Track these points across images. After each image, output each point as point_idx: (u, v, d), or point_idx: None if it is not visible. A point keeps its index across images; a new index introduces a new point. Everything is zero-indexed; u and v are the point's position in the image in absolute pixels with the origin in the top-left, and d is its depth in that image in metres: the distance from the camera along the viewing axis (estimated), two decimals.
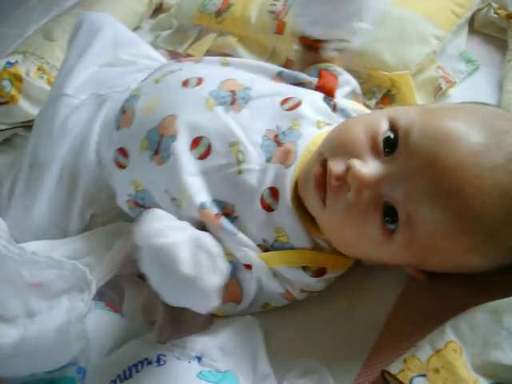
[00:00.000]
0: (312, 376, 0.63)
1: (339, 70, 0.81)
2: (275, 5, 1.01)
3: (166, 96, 0.73)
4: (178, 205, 0.70)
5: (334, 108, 0.74)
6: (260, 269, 0.66)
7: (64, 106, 0.81)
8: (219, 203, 0.67)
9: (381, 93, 0.92)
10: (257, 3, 1.03)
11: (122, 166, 0.73)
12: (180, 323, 0.71)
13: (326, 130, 0.69)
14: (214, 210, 0.67)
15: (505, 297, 0.60)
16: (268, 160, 0.67)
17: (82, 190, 0.77)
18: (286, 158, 0.67)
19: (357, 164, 0.59)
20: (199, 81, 0.74)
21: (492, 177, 0.55)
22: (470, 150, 0.55)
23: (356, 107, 0.76)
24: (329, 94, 0.75)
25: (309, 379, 0.62)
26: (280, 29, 1.00)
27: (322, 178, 0.62)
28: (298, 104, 0.71)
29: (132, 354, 0.63)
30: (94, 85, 0.83)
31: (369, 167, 0.60)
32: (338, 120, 0.72)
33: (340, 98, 0.76)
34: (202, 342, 0.65)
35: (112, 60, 0.87)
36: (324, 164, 0.63)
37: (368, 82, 0.94)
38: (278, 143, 0.68)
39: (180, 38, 1.09)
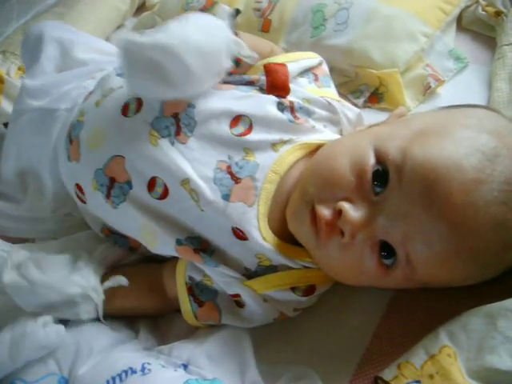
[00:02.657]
0: (302, 382, 0.61)
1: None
2: (260, 2, 1.00)
3: (107, 130, 0.67)
4: (146, 242, 0.67)
5: (292, 110, 0.67)
6: (249, 296, 0.64)
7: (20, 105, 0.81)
8: (194, 239, 0.65)
9: (368, 91, 0.91)
10: (242, 1, 1.01)
11: (83, 201, 0.71)
12: (165, 331, 0.70)
13: (286, 151, 0.65)
14: (190, 246, 0.64)
15: (498, 300, 0.59)
16: (225, 197, 0.63)
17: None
18: (246, 196, 0.63)
19: (347, 208, 0.57)
20: (138, 105, 0.67)
21: (486, 212, 0.54)
22: (464, 188, 0.54)
23: (313, 96, 0.69)
24: (282, 90, 0.68)
25: None
26: (265, 27, 0.99)
27: (315, 219, 0.60)
28: (250, 128, 0.65)
29: (115, 363, 0.61)
30: (46, 93, 0.80)
31: (360, 210, 0.58)
32: (297, 129, 0.66)
33: (298, 88, 0.69)
34: (189, 350, 0.63)
35: (65, 62, 0.84)
36: (312, 205, 0.60)
37: (355, 81, 0.93)
38: (234, 177, 0.63)
39: None
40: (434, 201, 0.54)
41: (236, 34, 0.68)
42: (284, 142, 0.65)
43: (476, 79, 0.91)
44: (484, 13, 0.96)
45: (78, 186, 0.70)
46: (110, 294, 0.66)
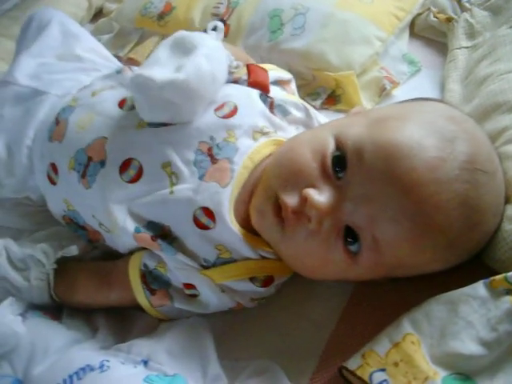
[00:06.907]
0: (264, 375, 0.60)
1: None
2: (219, 7, 1.00)
3: (99, 115, 0.69)
4: (106, 230, 0.67)
5: (271, 105, 0.70)
6: (206, 286, 0.63)
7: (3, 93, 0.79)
8: (154, 225, 0.64)
9: (325, 93, 0.93)
10: (200, 6, 1.02)
11: (53, 182, 0.71)
12: (124, 330, 0.68)
13: (263, 143, 0.66)
14: (149, 233, 0.63)
15: (457, 288, 0.60)
16: (201, 177, 0.63)
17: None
18: (221, 177, 0.63)
19: (313, 194, 0.57)
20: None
21: (450, 190, 0.55)
22: (427, 165, 0.54)
23: (289, 98, 0.73)
24: (263, 89, 0.70)
25: (261, 379, 0.60)
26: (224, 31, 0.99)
27: (279, 211, 0.60)
28: (234, 111, 0.66)
29: (72, 361, 0.59)
30: (37, 77, 0.80)
31: (325, 195, 0.58)
32: (276, 123, 0.68)
33: (274, 92, 0.72)
34: (148, 346, 0.61)
35: (64, 53, 0.84)
36: (276, 198, 0.60)
37: (312, 83, 0.94)
38: (213, 158, 0.64)
39: (121, 41, 1.07)
40: (397, 178, 0.55)
41: None
42: (264, 133, 0.66)
43: (429, 82, 0.93)
44: (435, 19, 0.99)
45: (53, 166, 0.70)
46: (62, 283, 0.68)
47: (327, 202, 0.57)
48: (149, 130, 0.66)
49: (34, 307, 0.68)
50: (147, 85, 0.62)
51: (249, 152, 0.65)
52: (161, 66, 0.63)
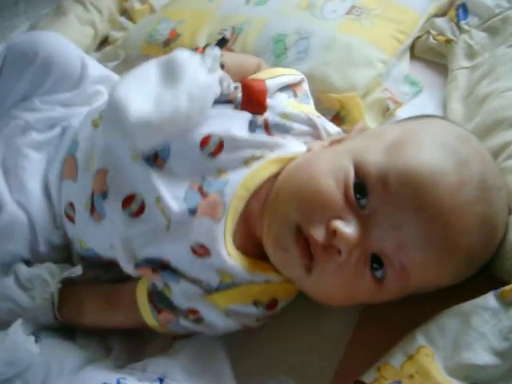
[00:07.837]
0: None
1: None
2: (223, 34, 1.02)
3: (99, 149, 0.69)
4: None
5: (266, 128, 0.67)
6: (210, 311, 0.63)
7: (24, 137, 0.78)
8: (153, 260, 0.64)
9: (330, 115, 0.93)
10: (205, 32, 1.04)
11: (72, 220, 0.71)
12: (139, 349, 0.68)
13: (258, 166, 0.65)
14: (149, 266, 0.64)
15: (468, 299, 0.60)
16: (191, 212, 0.62)
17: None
18: (214, 212, 0.62)
19: (342, 226, 0.57)
20: None
21: (471, 212, 0.56)
22: (450, 191, 0.55)
23: (293, 111, 0.70)
24: (257, 107, 0.67)
25: None
26: None
27: (305, 247, 0.59)
28: (220, 147, 0.65)
29: (89, 380, 0.59)
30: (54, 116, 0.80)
31: (353, 226, 0.57)
32: (270, 146, 0.66)
33: (276, 104, 0.69)
34: (164, 364, 0.62)
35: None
36: (296, 230, 0.59)
37: (317, 105, 0.94)
38: (203, 193, 0.63)
39: (127, 68, 1.06)
40: (424, 207, 0.55)
41: (222, 66, 0.69)
42: (256, 158, 0.65)
43: (431, 102, 0.94)
44: (435, 42, 1.01)
45: (71, 205, 0.70)
46: (68, 304, 0.68)
47: (356, 233, 0.57)
48: (142, 165, 0.65)
49: (47, 327, 0.68)
50: (119, 113, 0.61)
51: (240, 181, 0.64)
52: (145, 90, 0.63)
